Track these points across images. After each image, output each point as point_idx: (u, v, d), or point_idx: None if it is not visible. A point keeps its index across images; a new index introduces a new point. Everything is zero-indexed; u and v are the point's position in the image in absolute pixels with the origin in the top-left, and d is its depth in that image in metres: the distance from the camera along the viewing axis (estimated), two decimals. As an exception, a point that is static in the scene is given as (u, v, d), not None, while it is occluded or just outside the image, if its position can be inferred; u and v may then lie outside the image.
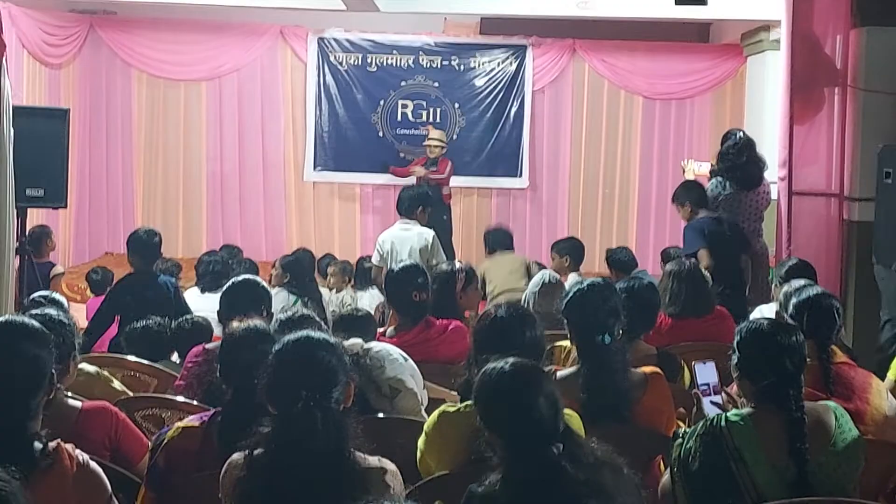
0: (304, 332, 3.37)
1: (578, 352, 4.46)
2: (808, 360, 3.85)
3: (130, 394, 5.09)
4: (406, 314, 5.87)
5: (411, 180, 12.55)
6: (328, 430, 3.12)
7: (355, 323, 5.38)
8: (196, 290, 8.69)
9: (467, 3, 12.35)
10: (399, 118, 14.03)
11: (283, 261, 9.39)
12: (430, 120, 13.87)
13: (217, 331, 6.11)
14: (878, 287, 7.51)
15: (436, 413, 3.91)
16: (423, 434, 3.91)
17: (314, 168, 14.06)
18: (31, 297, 6.09)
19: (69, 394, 4.11)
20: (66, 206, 9.88)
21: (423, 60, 13.98)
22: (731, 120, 13.30)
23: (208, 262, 8.80)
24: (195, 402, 4.63)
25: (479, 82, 14.01)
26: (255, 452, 3.17)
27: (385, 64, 13.99)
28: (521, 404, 3.13)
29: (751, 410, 3.70)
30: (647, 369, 4.49)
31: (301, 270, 8.54)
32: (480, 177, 14.02)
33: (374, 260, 8.92)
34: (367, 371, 4.61)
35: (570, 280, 7.74)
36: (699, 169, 8.75)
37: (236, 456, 3.24)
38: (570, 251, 9.29)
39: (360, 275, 10.11)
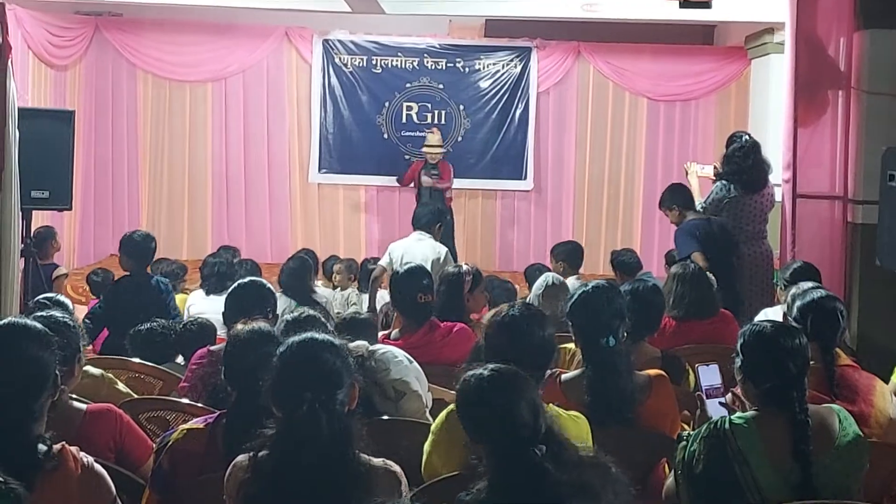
0: (308, 334, 3.37)
1: (583, 354, 4.47)
2: (811, 362, 3.85)
3: (135, 396, 5.10)
4: (411, 316, 5.88)
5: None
6: (333, 431, 3.12)
7: (356, 326, 5.38)
8: (201, 292, 8.69)
9: (472, 5, 12.34)
10: (404, 120, 14.05)
11: (281, 273, 9.26)
12: (435, 122, 13.88)
13: (221, 333, 6.13)
14: (882, 289, 7.52)
15: (444, 413, 3.91)
16: (431, 434, 3.91)
17: (319, 170, 14.08)
18: (36, 298, 6.09)
19: (74, 396, 4.11)
20: (71, 209, 9.90)
21: (427, 62, 13.99)
22: (735, 122, 13.30)
23: (213, 264, 8.80)
24: (200, 405, 4.63)
25: (483, 84, 14.03)
26: (260, 454, 3.16)
27: (390, 66, 14.00)
28: (500, 410, 3.12)
29: (754, 413, 3.70)
30: (652, 372, 4.50)
31: (297, 282, 8.51)
32: (485, 179, 14.04)
33: (382, 262, 8.91)
34: (371, 373, 4.61)
35: (568, 284, 7.72)
36: (702, 171, 8.74)
37: (241, 458, 3.24)
38: (565, 256, 9.30)
39: (365, 276, 10.10)
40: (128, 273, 8.06)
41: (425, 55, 14.00)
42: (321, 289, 9.44)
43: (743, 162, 8.17)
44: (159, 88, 14.04)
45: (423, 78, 14.01)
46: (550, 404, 3.85)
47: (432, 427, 3.93)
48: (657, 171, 14.14)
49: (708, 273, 6.77)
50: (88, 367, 4.84)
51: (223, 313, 5.41)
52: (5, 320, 3.45)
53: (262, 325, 4.11)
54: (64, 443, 3.19)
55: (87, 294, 11.02)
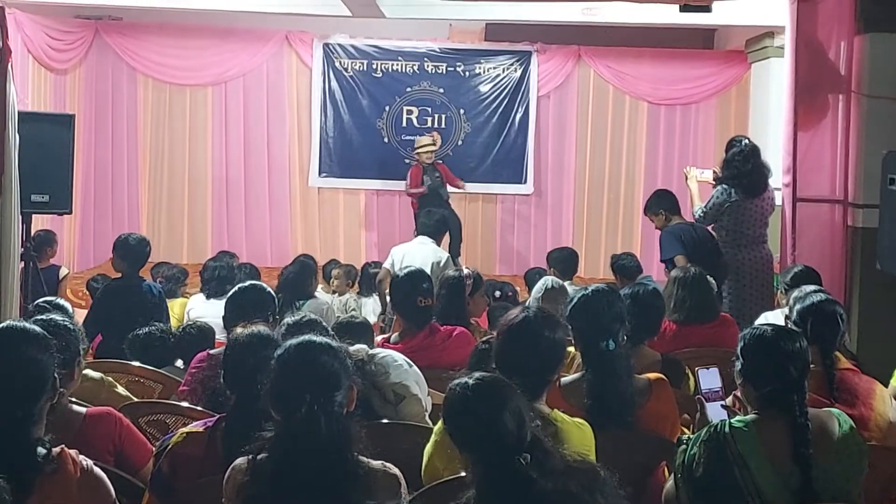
0: (306, 337, 3.37)
1: (583, 358, 4.46)
2: (811, 365, 3.84)
3: (135, 399, 5.10)
4: (411, 320, 5.89)
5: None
6: (332, 433, 3.12)
7: (353, 330, 5.38)
8: (201, 296, 8.69)
9: (472, 8, 12.32)
10: (404, 124, 14.04)
11: (279, 281, 9.24)
12: (436, 126, 13.89)
13: (221, 337, 6.13)
14: (882, 293, 7.52)
15: None
16: (433, 436, 3.90)
17: (319, 174, 14.07)
18: (36, 302, 6.09)
19: (73, 399, 4.11)
20: (71, 212, 9.91)
21: (428, 66, 13.99)
22: (735, 126, 13.29)
23: (214, 268, 8.80)
24: (199, 408, 4.63)
25: (484, 88, 14.03)
26: (259, 457, 3.17)
27: (390, 70, 14.00)
28: (484, 419, 3.10)
29: (754, 416, 3.70)
30: (652, 375, 4.49)
31: (294, 290, 8.50)
32: (485, 183, 14.01)
33: (385, 265, 8.92)
34: (371, 377, 4.61)
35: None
36: (701, 176, 8.74)
37: (240, 461, 3.24)
38: (557, 263, 9.31)
39: (366, 281, 10.09)
40: (119, 276, 8.07)
41: (425, 59, 13.99)
42: (321, 293, 9.44)
43: (742, 166, 8.16)
44: (159, 92, 14.04)
45: (423, 82, 14.01)
46: (555, 410, 3.86)
47: (435, 429, 3.92)
48: (657, 174, 14.13)
49: (708, 277, 6.77)
50: (88, 371, 4.84)
51: (223, 317, 5.42)
52: (3, 324, 3.46)
53: (262, 328, 4.11)
54: (63, 446, 3.20)
55: (87, 298, 11.02)
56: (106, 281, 9.67)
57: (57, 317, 4.24)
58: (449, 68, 14.00)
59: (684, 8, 9.15)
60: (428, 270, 7.85)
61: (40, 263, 9.33)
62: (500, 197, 14.28)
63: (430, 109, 14.04)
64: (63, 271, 9.89)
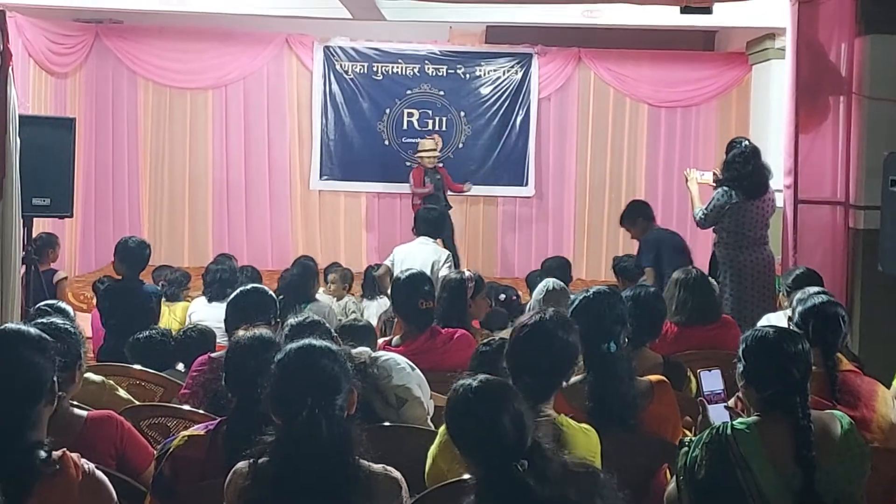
0: (306, 341, 3.37)
1: (584, 360, 4.44)
2: (813, 367, 3.83)
3: (136, 403, 5.10)
4: (412, 322, 5.88)
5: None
6: (333, 437, 3.12)
7: (355, 333, 5.37)
8: (203, 299, 8.68)
9: (473, 11, 12.34)
10: (405, 126, 14.06)
11: (280, 283, 9.23)
12: (436, 128, 13.91)
13: (222, 340, 6.12)
14: (884, 295, 7.52)
15: None
16: (437, 438, 3.89)
17: (320, 177, 14.10)
18: (37, 305, 6.09)
19: (75, 403, 4.11)
20: (72, 216, 9.91)
21: (428, 69, 14.01)
22: (736, 128, 13.30)
23: (215, 271, 8.79)
24: (201, 411, 4.63)
25: (484, 91, 14.04)
26: (260, 461, 3.17)
27: (391, 72, 14.02)
28: (485, 422, 3.10)
29: (756, 419, 3.69)
30: (654, 377, 4.48)
31: (295, 293, 8.50)
32: (486, 185, 14.02)
33: (386, 262, 8.92)
34: (373, 380, 4.60)
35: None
36: (701, 178, 8.74)
37: (241, 465, 3.24)
38: (550, 272, 9.25)
39: (369, 284, 10.07)
40: (119, 278, 8.08)
41: (426, 62, 14.01)
42: (322, 296, 9.43)
43: (743, 168, 8.15)
44: (160, 95, 14.06)
45: (423, 84, 14.02)
46: (562, 415, 3.85)
47: (439, 431, 3.91)
48: (658, 177, 14.16)
49: (710, 279, 6.77)
50: (89, 374, 4.84)
51: (225, 320, 5.40)
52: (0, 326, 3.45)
53: (264, 331, 4.10)
54: (65, 449, 3.19)
55: (88, 301, 11.03)
56: (110, 283, 9.69)
57: (58, 320, 4.24)
58: (449, 71, 14.02)
59: (685, 10, 9.15)
60: (428, 270, 7.89)
61: (41, 267, 9.32)
62: (502, 199, 14.30)
63: (430, 112, 14.06)
64: (60, 275, 9.84)
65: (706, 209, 8.26)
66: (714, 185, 8.43)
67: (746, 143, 8.42)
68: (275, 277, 9.70)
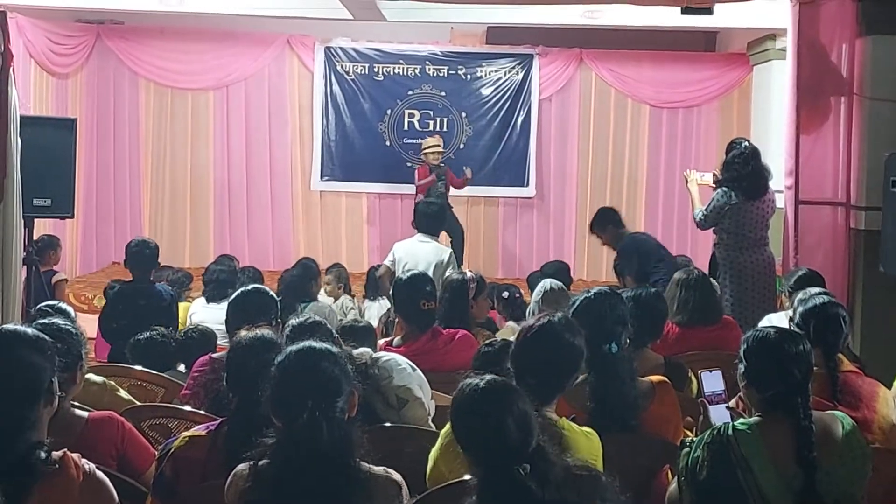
0: (306, 343, 3.37)
1: (585, 361, 4.45)
2: (815, 368, 3.83)
3: (137, 403, 5.10)
4: (414, 323, 5.88)
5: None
6: (333, 439, 3.12)
7: (356, 334, 5.37)
8: (202, 300, 8.68)
9: (474, 12, 12.32)
10: (406, 127, 14.05)
11: (281, 284, 9.22)
12: (437, 129, 13.89)
13: (223, 341, 6.12)
14: (885, 295, 7.52)
15: None
16: (439, 439, 3.89)
17: (321, 177, 14.09)
18: (38, 306, 6.09)
19: (75, 403, 4.11)
20: (73, 216, 9.90)
21: (429, 70, 14.00)
22: (737, 128, 13.29)
23: (214, 272, 8.79)
24: (202, 412, 4.63)
25: (485, 91, 14.04)
26: (261, 463, 3.17)
27: (392, 73, 14.01)
28: (489, 423, 3.10)
29: (758, 419, 3.69)
30: (655, 378, 4.48)
31: (296, 293, 8.48)
32: (487, 186, 14.01)
33: (386, 261, 8.88)
34: (375, 381, 4.60)
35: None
36: (701, 179, 8.74)
37: (241, 467, 3.24)
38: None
39: (371, 284, 10.05)
40: (130, 280, 8.07)
41: (427, 62, 14.00)
42: (323, 296, 9.43)
43: (742, 168, 8.15)
44: (161, 96, 14.05)
45: (424, 85, 14.01)
46: (563, 418, 3.85)
47: (441, 433, 3.91)
48: (660, 177, 14.15)
49: (711, 279, 6.77)
50: (90, 375, 4.84)
51: (226, 321, 5.40)
52: (-1, 327, 3.45)
53: (265, 331, 4.10)
54: (65, 450, 3.19)
55: (89, 302, 11.03)
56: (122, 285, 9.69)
57: (59, 320, 4.24)
58: (450, 71, 14.01)
59: (686, 10, 9.14)
60: (430, 270, 7.86)
61: (42, 268, 9.32)
62: (503, 200, 14.28)
63: (431, 113, 14.05)
64: (59, 276, 9.83)
65: (706, 210, 8.25)
66: (714, 186, 8.42)
67: (746, 143, 8.41)
68: (276, 278, 9.69)
